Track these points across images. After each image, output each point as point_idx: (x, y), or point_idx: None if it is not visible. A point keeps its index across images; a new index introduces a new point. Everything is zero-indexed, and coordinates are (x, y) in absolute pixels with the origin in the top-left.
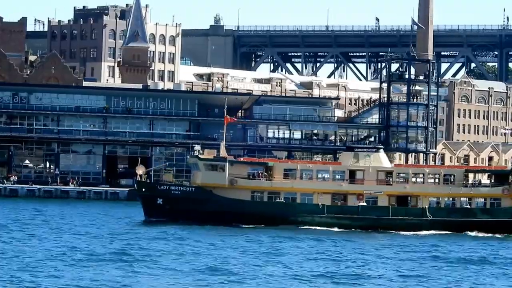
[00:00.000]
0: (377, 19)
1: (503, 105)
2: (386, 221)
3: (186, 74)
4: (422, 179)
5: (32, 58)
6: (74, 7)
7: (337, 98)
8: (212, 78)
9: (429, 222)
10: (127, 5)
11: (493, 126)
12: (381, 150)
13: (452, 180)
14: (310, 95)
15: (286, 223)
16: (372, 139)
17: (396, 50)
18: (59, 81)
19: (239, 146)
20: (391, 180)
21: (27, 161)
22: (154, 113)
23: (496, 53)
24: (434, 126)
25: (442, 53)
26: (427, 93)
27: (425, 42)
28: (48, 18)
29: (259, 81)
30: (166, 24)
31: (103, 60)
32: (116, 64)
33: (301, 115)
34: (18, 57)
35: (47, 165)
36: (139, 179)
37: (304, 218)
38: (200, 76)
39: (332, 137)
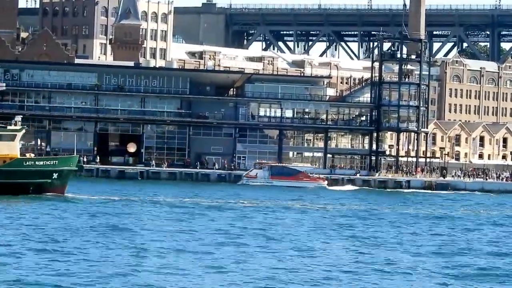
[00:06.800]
0: None
1: (495, 85)
2: None
3: (178, 52)
4: None
5: (23, 35)
6: None
7: (329, 77)
8: (204, 56)
9: None
10: None
11: (485, 106)
12: None
13: None
14: (302, 74)
15: None
16: (363, 118)
17: (388, 29)
18: (50, 58)
19: (230, 125)
20: None
21: None
22: (145, 90)
23: (488, 33)
24: (426, 105)
25: (434, 33)
26: (418, 72)
27: (417, 22)
28: None
29: (251, 59)
30: (158, 2)
31: (95, 37)
32: (108, 41)
33: (293, 93)
34: (10, 33)
35: (38, 142)
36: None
37: None
38: (192, 54)
39: (324, 116)
